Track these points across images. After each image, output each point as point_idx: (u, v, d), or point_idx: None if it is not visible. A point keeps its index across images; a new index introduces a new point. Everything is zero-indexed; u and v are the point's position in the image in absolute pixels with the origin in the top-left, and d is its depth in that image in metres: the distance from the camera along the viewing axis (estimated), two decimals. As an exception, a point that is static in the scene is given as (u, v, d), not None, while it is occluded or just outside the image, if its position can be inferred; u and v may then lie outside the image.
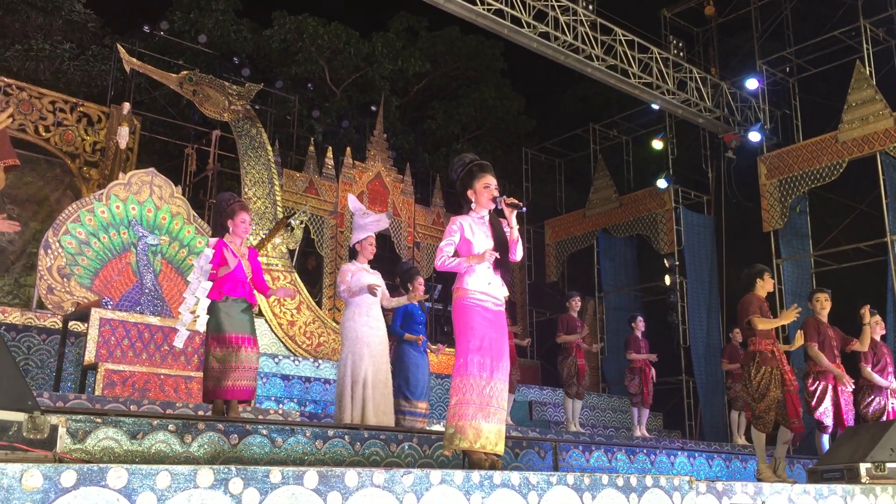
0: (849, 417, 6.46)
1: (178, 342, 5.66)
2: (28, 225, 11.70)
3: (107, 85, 13.06)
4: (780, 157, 13.05)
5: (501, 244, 3.99)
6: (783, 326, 5.86)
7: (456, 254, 3.98)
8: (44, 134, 11.04)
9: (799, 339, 6.30)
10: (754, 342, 5.69)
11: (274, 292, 5.75)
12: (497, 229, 4.03)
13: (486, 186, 4.03)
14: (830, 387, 6.44)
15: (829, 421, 6.38)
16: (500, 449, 3.78)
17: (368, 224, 6.03)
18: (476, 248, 3.95)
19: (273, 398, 8.52)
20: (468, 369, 3.77)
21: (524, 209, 4.06)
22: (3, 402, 2.27)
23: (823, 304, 6.58)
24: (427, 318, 6.88)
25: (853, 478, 4.42)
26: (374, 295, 5.91)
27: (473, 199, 4.05)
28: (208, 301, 5.30)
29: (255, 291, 5.52)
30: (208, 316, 5.27)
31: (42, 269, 8.38)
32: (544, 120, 20.10)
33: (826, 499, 3.92)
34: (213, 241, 5.36)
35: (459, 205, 4.19)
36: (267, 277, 11.05)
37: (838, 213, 13.31)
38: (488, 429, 3.73)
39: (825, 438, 6.49)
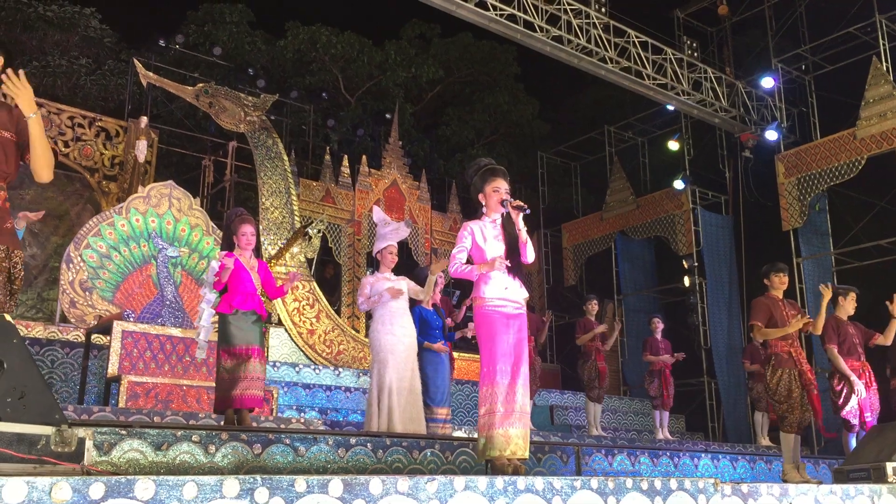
0: (873, 417, 6.40)
1: (200, 353, 5.73)
2: (49, 239, 11.82)
3: (124, 99, 13.19)
4: (798, 155, 12.96)
5: (513, 248, 4.01)
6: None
7: (469, 260, 4.04)
8: (63, 149, 11.14)
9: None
10: (771, 344, 5.65)
11: (284, 284, 5.86)
12: (510, 233, 4.05)
13: (496, 190, 4.06)
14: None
15: (855, 420, 6.33)
16: (526, 454, 3.80)
17: (388, 233, 6.06)
18: (488, 254, 3.98)
19: (294, 407, 8.55)
20: (494, 378, 3.81)
21: (528, 211, 4.07)
22: (32, 416, 2.29)
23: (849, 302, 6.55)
24: (443, 323, 6.88)
25: (880, 477, 4.37)
26: (396, 297, 5.89)
27: (484, 203, 4.11)
28: (212, 314, 5.39)
29: (267, 301, 5.58)
30: (216, 329, 5.35)
31: (64, 284, 8.46)
32: (559, 123, 20.07)
33: (853, 499, 3.88)
34: (222, 253, 5.46)
35: (475, 210, 4.24)
36: (279, 283, 11.16)
37: (858, 210, 13.19)
38: (516, 434, 3.76)
39: (852, 438, 6.43)
